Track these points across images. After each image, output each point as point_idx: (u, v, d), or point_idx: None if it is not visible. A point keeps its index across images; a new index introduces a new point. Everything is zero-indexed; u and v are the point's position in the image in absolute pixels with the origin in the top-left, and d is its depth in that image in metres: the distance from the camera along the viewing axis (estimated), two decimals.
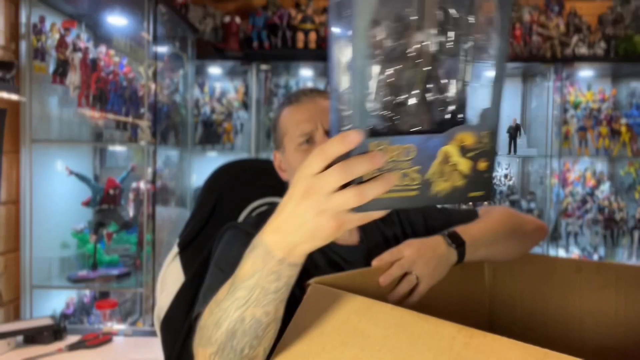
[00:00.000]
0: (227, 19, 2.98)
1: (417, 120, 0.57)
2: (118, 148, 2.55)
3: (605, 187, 3.14)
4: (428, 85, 0.56)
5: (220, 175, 1.25)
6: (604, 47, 2.99)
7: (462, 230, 0.94)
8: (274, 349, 0.66)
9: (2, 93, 1.83)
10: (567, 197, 3.13)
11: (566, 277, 1.03)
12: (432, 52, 0.56)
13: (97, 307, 2.04)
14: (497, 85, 0.58)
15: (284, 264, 0.59)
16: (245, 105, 3.17)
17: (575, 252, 3.07)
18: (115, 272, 2.23)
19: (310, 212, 0.55)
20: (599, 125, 3.06)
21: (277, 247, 0.58)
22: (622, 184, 3.24)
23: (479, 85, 0.58)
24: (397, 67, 0.55)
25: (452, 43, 0.56)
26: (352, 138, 0.53)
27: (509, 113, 3.20)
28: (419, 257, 0.86)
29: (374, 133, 0.55)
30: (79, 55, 2.13)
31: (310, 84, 3.27)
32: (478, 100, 0.58)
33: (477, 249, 0.92)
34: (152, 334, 1.71)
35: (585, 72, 3.16)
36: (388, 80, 0.55)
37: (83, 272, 2.21)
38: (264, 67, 3.02)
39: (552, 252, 3.05)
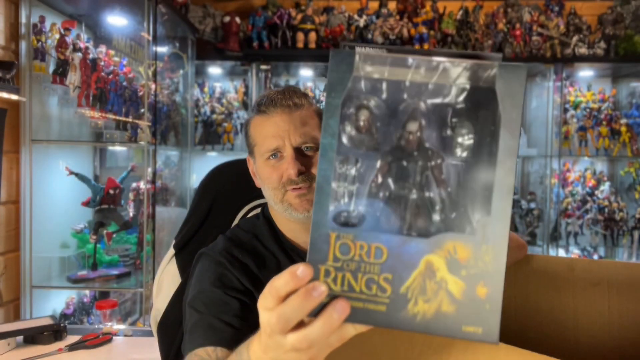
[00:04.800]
0: (227, 19, 2.98)
1: (396, 216, 0.49)
2: (118, 148, 2.55)
3: (605, 187, 3.14)
4: (414, 180, 0.50)
5: (216, 176, 1.24)
6: (604, 47, 2.99)
7: None
8: None
9: (2, 93, 1.83)
10: (567, 197, 3.13)
11: (559, 276, 1.03)
12: (425, 145, 0.50)
13: (97, 307, 2.04)
14: (503, 190, 0.48)
15: None
16: (245, 105, 3.17)
17: (575, 252, 3.07)
18: (115, 272, 2.23)
19: (279, 349, 0.51)
20: (599, 125, 3.06)
21: None
22: (622, 184, 3.24)
23: (481, 188, 0.49)
24: (382, 156, 0.50)
25: (452, 138, 0.50)
26: (302, 274, 0.48)
27: None
28: None
29: (341, 222, 0.49)
30: (79, 55, 2.13)
31: (310, 84, 3.27)
32: (479, 206, 0.49)
33: None
34: (152, 333, 1.71)
35: (585, 72, 3.16)
36: (363, 169, 0.50)
37: (83, 272, 2.21)
38: (264, 67, 3.02)
39: (552, 252, 3.05)
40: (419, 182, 0.50)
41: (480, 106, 0.49)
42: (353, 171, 0.50)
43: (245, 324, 0.87)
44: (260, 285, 0.92)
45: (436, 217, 0.49)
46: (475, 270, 0.47)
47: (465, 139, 0.49)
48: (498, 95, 0.48)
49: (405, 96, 0.50)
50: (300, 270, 0.47)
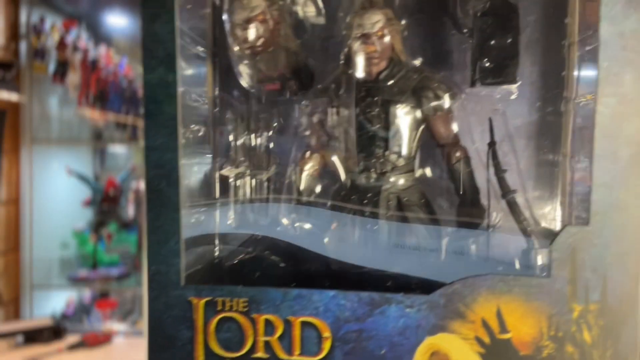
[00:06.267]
0: None
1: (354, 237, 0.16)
2: (118, 148, 2.55)
3: None
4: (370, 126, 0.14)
5: None
6: None
7: None
8: None
9: (2, 93, 1.83)
10: None
11: None
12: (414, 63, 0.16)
13: (97, 307, 2.04)
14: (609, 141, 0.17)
15: None
16: None
17: None
18: (115, 272, 2.23)
19: None
20: None
21: None
22: None
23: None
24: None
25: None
26: None
27: None
28: None
29: (211, 267, 0.13)
30: (79, 55, 2.13)
31: None
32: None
33: None
34: None
35: None
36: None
37: (83, 272, 2.21)
38: None
39: None
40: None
41: None
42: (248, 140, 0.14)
43: None
44: None
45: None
46: None
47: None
48: None
49: None
50: None
